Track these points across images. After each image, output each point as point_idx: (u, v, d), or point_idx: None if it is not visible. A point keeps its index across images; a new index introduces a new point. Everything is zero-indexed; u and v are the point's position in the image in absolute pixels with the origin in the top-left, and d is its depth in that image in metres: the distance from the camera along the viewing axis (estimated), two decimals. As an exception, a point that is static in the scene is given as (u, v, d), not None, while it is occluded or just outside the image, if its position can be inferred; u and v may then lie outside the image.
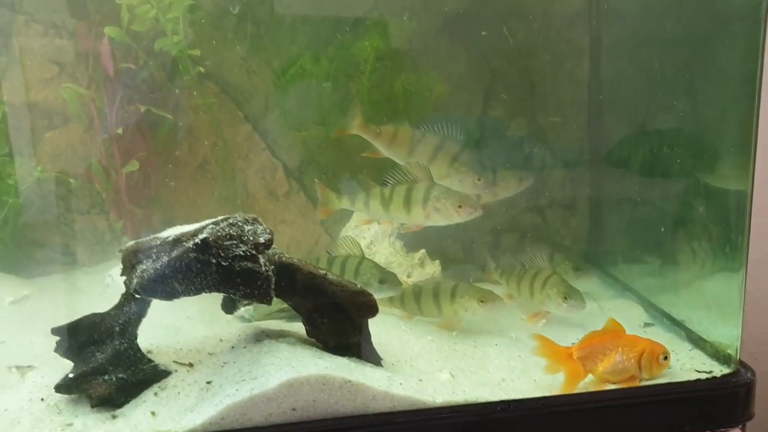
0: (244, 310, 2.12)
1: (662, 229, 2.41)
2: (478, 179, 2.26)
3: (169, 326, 2.07)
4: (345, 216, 2.49)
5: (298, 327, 1.89)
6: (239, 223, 1.65)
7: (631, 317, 2.27)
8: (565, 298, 2.16)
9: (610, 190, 2.64)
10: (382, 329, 2.09)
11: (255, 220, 1.68)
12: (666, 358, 1.84)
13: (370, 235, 2.43)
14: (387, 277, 2.14)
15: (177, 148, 2.37)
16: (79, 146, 2.33)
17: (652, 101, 2.41)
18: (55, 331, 1.74)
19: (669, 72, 2.34)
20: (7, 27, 2.24)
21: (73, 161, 2.33)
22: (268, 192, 2.50)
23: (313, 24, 2.35)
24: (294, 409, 1.65)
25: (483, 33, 2.40)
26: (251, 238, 1.64)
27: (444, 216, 2.15)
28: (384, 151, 2.32)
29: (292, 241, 2.52)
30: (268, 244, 1.64)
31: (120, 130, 2.23)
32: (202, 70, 2.31)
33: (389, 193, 2.19)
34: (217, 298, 2.01)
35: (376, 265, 2.18)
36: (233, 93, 2.41)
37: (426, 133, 2.30)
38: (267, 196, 2.50)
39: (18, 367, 1.85)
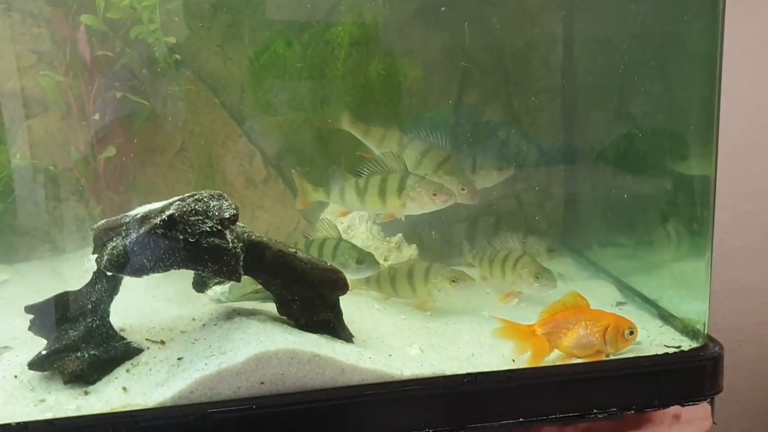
0: (220, 293, 2.15)
1: (635, 213, 2.44)
2: (463, 188, 2.27)
3: (144, 307, 2.11)
4: (324, 203, 2.52)
5: (271, 307, 1.92)
6: (205, 199, 1.68)
7: (604, 296, 2.29)
8: (537, 277, 2.19)
9: (585, 175, 2.66)
10: (355, 308, 2.11)
11: (221, 196, 1.70)
12: (632, 332, 1.85)
13: (347, 220, 2.45)
14: (364, 258, 2.17)
15: (154, 134, 2.40)
16: (58, 134, 2.36)
17: (624, 88, 2.44)
18: (29, 309, 1.77)
19: (639, 60, 2.37)
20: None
21: (53, 149, 2.36)
22: (246, 179, 2.52)
23: (288, 9, 2.38)
24: (262, 383, 1.67)
25: (442, 9, 2.42)
26: (216, 214, 1.66)
27: (419, 204, 2.16)
28: (374, 150, 2.34)
29: (270, 227, 2.55)
30: (233, 219, 1.67)
31: (97, 117, 2.26)
32: (178, 57, 2.35)
33: (364, 184, 2.21)
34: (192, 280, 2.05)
35: (354, 246, 2.20)
36: (209, 80, 2.44)
37: (413, 139, 2.33)
38: (245, 182, 2.52)
39: (-6, 348, 1.88)
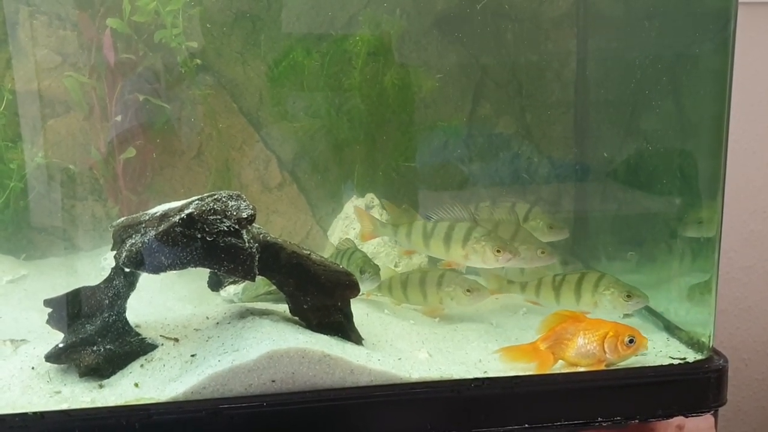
0: (233, 293, 2.19)
1: (644, 227, 2.47)
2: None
3: (159, 305, 2.15)
4: (336, 209, 2.57)
5: (283, 308, 1.95)
6: (224, 199, 1.72)
7: (611, 308, 2.31)
8: (629, 296, 2.11)
9: (594, 188, 2.70)
10: (364, 312, 2.15)
11: (239, 197, 1.74)
12: (632, 341, 1.86)
13: (359, 226, 2.49)
14: (366, 269, 2.18)
15: (173, 137, 2.46)
16: (79, 134, 2.41)
17: (636, 104, 2.48)
18: (48, 302, 1.81)
19: (651, 77, 2.41)
20: (13, 18, 2.33)
21: (74, 149, 2.42)
22: (262, 183, 2.57)
23: (308, 19, 2.44)
24: (273, 381, 1.70)
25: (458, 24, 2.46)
26: (234, 213, 1.70)
27: (481, 258, 2.12)
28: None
29: (284, 231, 2.59)
30: (250, 219, 1.71)
31: (119, 119, 2.32)
32: (199, 62, 2.40)
33: (431, 228, 2.21)
34: (206, 280, 2.09)
35: (364, 257, 2.23)
36: (228, 85, 2.50)
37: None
38: (260, 187, 2.57)
39: (12, 341, 1.92)
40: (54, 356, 1.76)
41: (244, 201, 1.74)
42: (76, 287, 1.82)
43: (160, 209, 1.76)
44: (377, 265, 2.22)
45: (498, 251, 2.10)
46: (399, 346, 1.96)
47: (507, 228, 2.26)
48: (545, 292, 2.22)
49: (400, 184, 2.59)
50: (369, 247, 2.45)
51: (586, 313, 2.03)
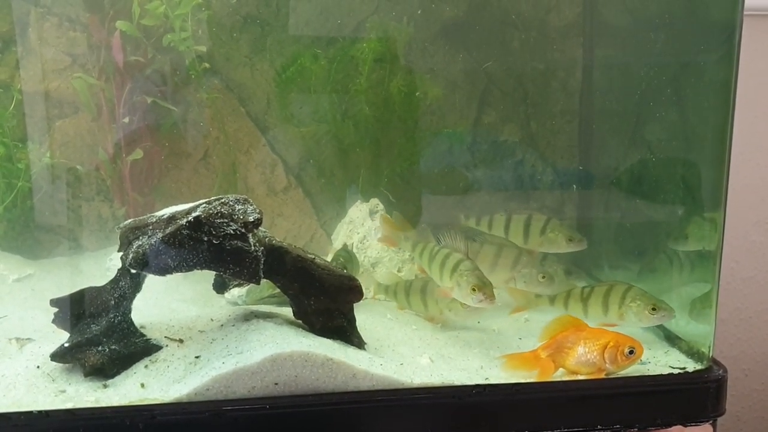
0: (237, 296, 2.20)
1: (646, 239, 2.48)
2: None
3: (164, 307, 2.16)
4: (341, 213, 2.59)
5: (287, 311, 1.97)
6: (231, 203, 1.74)
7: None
8: (654, 309, 2.09)
9: (598, 198, 2.71)
10: (367, 316, 2.16)
11: (246, 201, 1.76)
12: (632, 351, 1.87)
13: (363, 230, 2.51)
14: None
15: (180, 140, 2.47)
16: (87, 135, 2.43)
17: (640, 114, 2.50)
18: (54, 302, 1.83)
19: (655, 87, 2.42)
20: (24, 19, 2.35)
21: (81, 149, 2.44)
22: (267, 187, 2.59)
23: (316, 24, 2.46)
24: (276, 384, 1.72)
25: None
26: (241, 217, 1.72)
27: (461, 293, 2.09)
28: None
29: (289, 234, 2.61)
30: (257, 222, 1.73)
31: (127, 120, 2.34)
32: (207, 65, 2.42)
33: (435, 252, 2.21)
34: (211, 282, 2.10)
35: (348, 260, 2.30)
36: (236, 89, 2.52)
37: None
38: (266, 190, 2.59)
39: (17, 339, 1.94)
40: (59, 355, 1.77)
41: (251, 205, 1.76)
42: (83, 287, 1.83)
43: (167, 212, 1.78)
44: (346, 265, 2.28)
45: (473, 289, 2.05)
46: (401, 351, 1.98)
47: (509, 253, 2.27)
48: (573, 304, 2.19)
49: (404, 190, 2.60)
50: (373, 252, 2.46)
51: (611, 326, 2.07)
